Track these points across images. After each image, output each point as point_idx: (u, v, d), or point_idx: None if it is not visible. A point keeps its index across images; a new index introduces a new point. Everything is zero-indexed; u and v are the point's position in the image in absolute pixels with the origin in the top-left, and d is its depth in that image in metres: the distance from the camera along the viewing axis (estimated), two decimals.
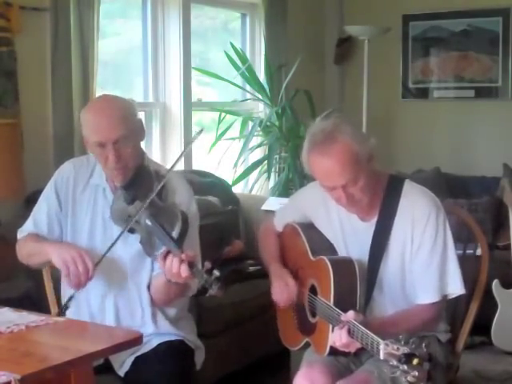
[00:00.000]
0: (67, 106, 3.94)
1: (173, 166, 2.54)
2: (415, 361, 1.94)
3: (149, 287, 2.57)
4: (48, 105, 3.94)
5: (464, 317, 2.72)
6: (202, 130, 2.47)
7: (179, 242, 2.30)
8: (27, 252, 2.65)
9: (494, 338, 4.20)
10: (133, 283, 2.58)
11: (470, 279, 2.69)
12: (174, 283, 2.37)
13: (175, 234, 2.31)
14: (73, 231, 2.63)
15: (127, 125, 2.47)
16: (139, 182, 2.50)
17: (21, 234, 2.70)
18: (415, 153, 5.96)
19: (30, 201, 3.60)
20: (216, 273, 2.17)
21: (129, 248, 2.54)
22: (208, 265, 2.20)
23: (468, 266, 2.73)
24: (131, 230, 2.44)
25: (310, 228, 2.66)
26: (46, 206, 2.66)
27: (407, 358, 1.95)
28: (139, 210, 2.40)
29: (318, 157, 2.36)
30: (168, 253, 2.30)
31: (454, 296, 2.48)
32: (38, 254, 2.59)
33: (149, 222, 2.38)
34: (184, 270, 2.24)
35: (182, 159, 4.87)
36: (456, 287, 2.45)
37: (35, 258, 2.63)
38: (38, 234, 2.64)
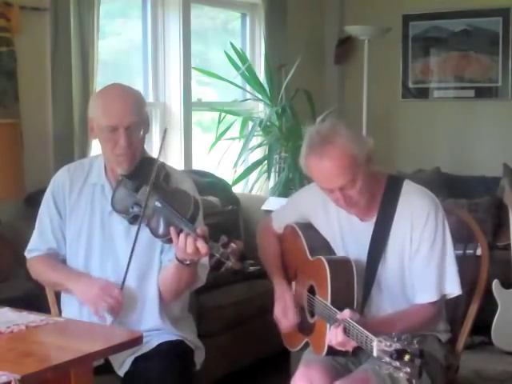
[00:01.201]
0: (67, 106, 3.94)
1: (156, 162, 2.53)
2: (407, 357, 1.95)
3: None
4: (48, 105, 3.95)
5: (464, 317, 2.72)
6: (166, 130, 2.60)
7: (191, 223, 2.30)
8: (46, 282, 2.67)
9: (494, 338, 4.20)
10: (139, 281, 2.55)
11: (469, 279, 2.70)
12: (186, 266, 2.37)
13: (188, 215, 2.32)
14: (72, 234, 2.63)
15: (139, 113, 2.51)
16: (143, 171, 2.50)
17: (30, 254, 2.68)
18: (415, 153, 5.96)
19: (30, 201, 3.61)
20: (233, 245, 2.17)
21: (135, 246, 2.53)
22: (224, 238, 2.20)
23: (468, 266, 2.73)
24: (138, 218, 2.43)
25: (308, 228, 2.66)
26: (48, 220, 2.65)
27: (399, 354, 1.96)
28: (147, 193, 2.40)
29: (316, 159, 2.36)
30: (180, 232, 2.30)
31: (451, 296, 2.48)
32: (60, 286, 2.61)
33: (159, 204, 2.39)
34: (202, 246, 2.23)
35: (182, 159, 4.88)
36: (453, 287, 2.45)
37: (58, 288, 2.65)
38: (49, 256, 2.63)
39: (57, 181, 2.68)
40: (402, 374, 1.95)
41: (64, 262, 2.65)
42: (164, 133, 2.57)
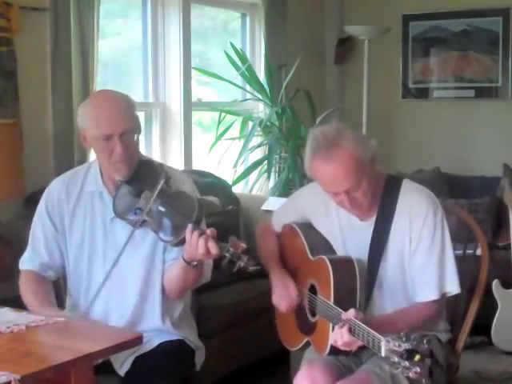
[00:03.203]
0: (67, 106, 3.94)
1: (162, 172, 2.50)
2: (417, 357, 1.95)
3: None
4: (48, 105, 3.94)
5: (464, 317, 2.72)
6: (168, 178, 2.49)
7: (197, 225, 2.30)
8: (23, 299, 2.59)
9: (494, 338, 4.20)
10: (142, 282, 2.55)
11: (470, 279, 2.69)
12: (193, 268, 2.37)
13: (194, 217, 2.32)
14: (75, 244, 2.60)
15: (131, 117, 2.48)
16: (143, 174, 2.49)
17: (22, 265, 2.65)
18: (415, 153, 5.96)
19: (30, 201, 3.60)
20: (243, 245, 2.18)
21: (138, 249, 2.53)
22: (233, 238, 2.20)
23: (468, 266, 2.73)
24: (142, 223, 2.43)
25: (308, 228, 2.66)
26: (41, 232, 2.62)
27: (409, 354, 1.96)
28: (151, 199, 2.39)
29: (322, 163, 2.35)
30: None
31: (451, 295, 2.48)
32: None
33: (162, 209, 2.38)
34: (212, 246, 2.23)
35: (182, 159, 4.88)
36: (453, 286, 2.46)
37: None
38: (37, 277, 2.59)
39: (51, 193, 2.64)
40: (411, 374, 1.95)
41: (56, 274, 2.64)
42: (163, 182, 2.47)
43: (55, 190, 2.64)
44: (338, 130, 2.39)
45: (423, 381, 1.97)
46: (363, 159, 2.35)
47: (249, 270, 2.20)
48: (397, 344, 1.98)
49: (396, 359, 1.97)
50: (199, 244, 2.25)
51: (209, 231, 2.26)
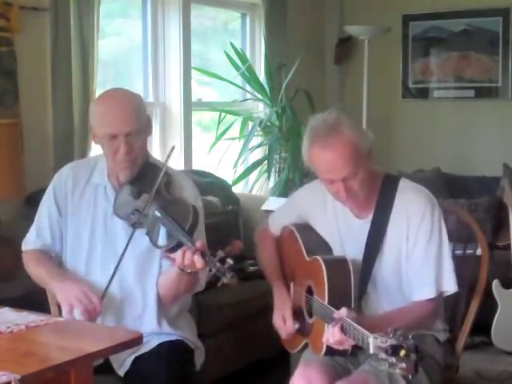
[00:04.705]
0: (67, 106, 3.94)
1: (164, 171, 2.49)
2: (402, 352, 1.94)
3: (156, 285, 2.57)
4: (48, 105, 3.94)
5: (464, 317, 2.72)
6: (173, 148, 2.52)
7: (190, 234, 2.30)
8: (34, 276, 2.64)
9: (494, 338, 4.21)
10: (138, 284, 2.56)
11: (470, 279, 2.70)
12: (187, 274, 2.37)
13: (187, 226, 2.32)
14: (74, 234, 2.62)
15: (139, 118, 2.48)
16: (146, 176, 2.49)
17: (25, 246, 2.68)
18: (415, 153, 5.96)
19: (30, 201, 3.61)
20: (229, 261, 2.19)
21: (135, 249, 2.53)
22: (221, 253, 2.20)
23: (468, 266, 2.73)
24: (138, 224, 2.43)
25: (305, 229, 2.66)
26: (46, 215, 2.64)
27: (394, 350, 1.95)
28: (148, 202, 2.40)
29: (321, 149, 2.36)
30: (178, 246, 2.29)
31: (448, 294, 2.48)
32: (44, 284, 2.59)
33: (158, 214, 2.38)
34: (198, 261, 2.24)
35: (182, 159, 4.88)
36: (450, 284, 2.45)
37: (43, 284, 2.62)
38: (42, 252, 2.63)
39: (60, 177, 2.67)
40: (398, 370, 1.95)
41: (55, 258, 2.65)
42: (171, 151, 2.51)
43: (64, 175, 2.67)
44: (337, 117, 2.40)
45: (409, 377, 1.97)
46: (361, 148, 2.36)
47: (231, 285, 2.20)
48: (383, 340, 1.97)
49: (383, 356, 1.97)
50: (186, 255, 2.26)
51: (197, 244, 2.25)
